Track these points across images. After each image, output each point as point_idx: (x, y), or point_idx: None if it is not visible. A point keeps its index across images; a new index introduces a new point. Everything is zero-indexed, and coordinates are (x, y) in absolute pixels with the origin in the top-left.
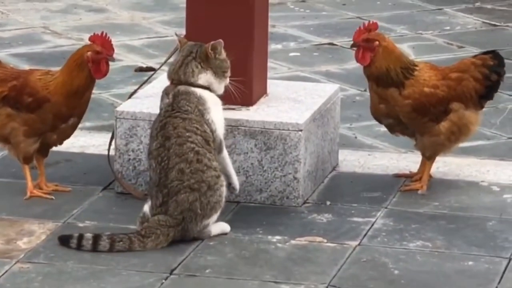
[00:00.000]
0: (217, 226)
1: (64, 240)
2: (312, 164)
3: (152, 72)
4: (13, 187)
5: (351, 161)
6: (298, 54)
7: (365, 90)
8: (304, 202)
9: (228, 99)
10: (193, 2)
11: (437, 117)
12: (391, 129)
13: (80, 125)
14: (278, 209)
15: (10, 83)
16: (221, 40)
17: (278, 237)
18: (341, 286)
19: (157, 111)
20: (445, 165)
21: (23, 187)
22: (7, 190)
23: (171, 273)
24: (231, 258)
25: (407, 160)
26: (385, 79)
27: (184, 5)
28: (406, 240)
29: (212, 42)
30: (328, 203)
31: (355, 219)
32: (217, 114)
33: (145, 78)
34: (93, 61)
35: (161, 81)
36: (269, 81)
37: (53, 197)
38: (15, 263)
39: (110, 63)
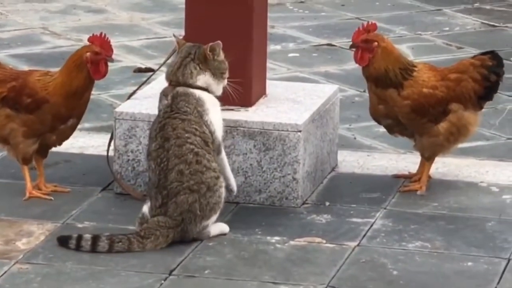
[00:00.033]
0: (216, 227)
1: (63, 241)
2: (311, 165)
3: (151, 73)
4: (12, 188)
5: (350, 161)
6: (297, 54)
7: (364, 91)
8: (303, 203)
9: (227, 100)
10: (192, 3)
11: (436, 118)
12: (390, 129)
13: (79, 126)
14: (277, 210)
15: (9, 84)
16: (219, 42)
17: (277, 238)
18: (340, 287)
19: (156, 112)
20: (444, 166)
21: (22, 188)
22: (6, 190)
23: (170, 274)
24: (230, 259)
25: (406, 161)
26: (384, 80)
27: (183, 6)
28: (405, 241)
29: (210, 44)
30: (327, 203)
31: (354, 219)
32: (216, 116)
33: (144, 79)
34: (92, 62)
35: (160, 82)
36: (268, 82)
37: (52, 198)
38: (14, 264)
39: (109, 64)
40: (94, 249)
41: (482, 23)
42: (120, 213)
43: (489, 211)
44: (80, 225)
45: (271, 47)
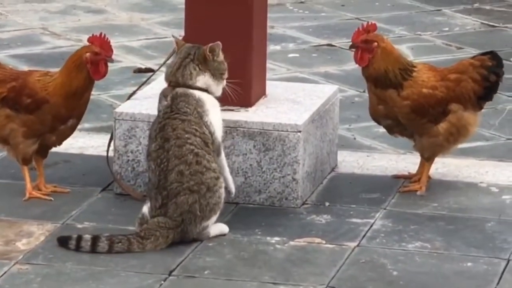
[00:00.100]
0: (216, 227)
1: (63, 241)
2: (311, 165)
3: (151, 74)
4: (12, 188)
5: (350, 162)
6: (297, 55)
7: (364, 91)
8: (303, 203)
9: (227, 100)
10: (192, 3)
11: (436, 118)
12: (390, 130)
13: (79, 126)
14: (277, 210)
15: (9, 84)
16: (219, 42)
17: (277, 238)
18: (339, 287)
19: (156, 112)
20: (444, 166)
21: (22, 188)
22: (6, 191)
23: (170, 274)
24: (230, 259)
25: (406, 161)
26: (384, 80)
27: (183, 6)
28: (405, 241)
29: (210, 44)
30: (327, 204)
31: (354, 220)
32: (216, 116)
33: (144, 79)
34: (92, 62)
35: (160, 82)
36: (268, 82)
37: (52, 198)
38: (14, 264)
39: (109, 64)
40: (94, 249)
41: (482, 23)
42: (120, 214)
43: (488, 212)
44: (80, 226)
45: (271, 48)
